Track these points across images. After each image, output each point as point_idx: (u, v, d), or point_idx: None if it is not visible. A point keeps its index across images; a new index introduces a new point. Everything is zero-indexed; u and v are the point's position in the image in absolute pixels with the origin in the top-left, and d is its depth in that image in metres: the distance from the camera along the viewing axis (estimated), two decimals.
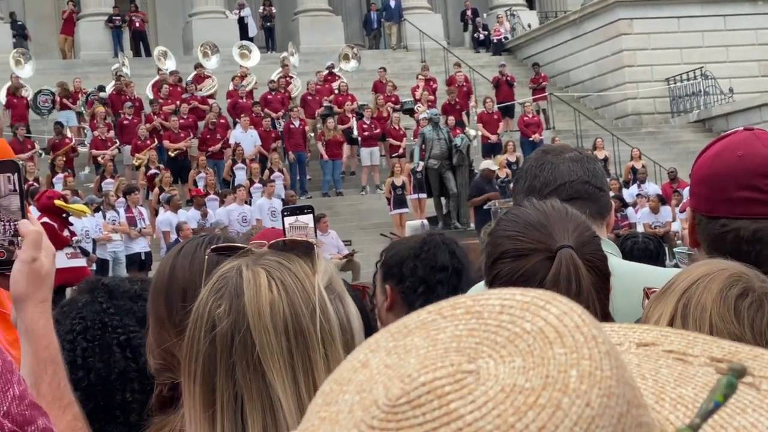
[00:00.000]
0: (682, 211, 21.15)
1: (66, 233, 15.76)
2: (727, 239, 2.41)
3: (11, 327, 2.28)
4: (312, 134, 27.27)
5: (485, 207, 20.13)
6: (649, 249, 6.85)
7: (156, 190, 22.84)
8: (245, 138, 25.53)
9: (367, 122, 26.94)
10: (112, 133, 25.64)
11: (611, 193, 5.98)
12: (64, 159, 23.75)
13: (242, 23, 34.68)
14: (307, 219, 2.02)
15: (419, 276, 3.51)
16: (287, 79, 29.26)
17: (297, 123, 26.25)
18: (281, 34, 36.20)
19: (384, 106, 27.86)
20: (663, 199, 22.80)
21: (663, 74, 30.91)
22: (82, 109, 27.69)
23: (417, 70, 31.34)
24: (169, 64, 30.34)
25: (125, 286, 2.68)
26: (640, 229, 20.30)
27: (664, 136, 29.97)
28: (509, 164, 24.04)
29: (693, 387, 0.91)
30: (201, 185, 23.37)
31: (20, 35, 33.40)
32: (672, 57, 30.87)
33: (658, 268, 3.24)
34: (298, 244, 1.69)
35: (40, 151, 24.82)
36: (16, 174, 2.11)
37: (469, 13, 37.11)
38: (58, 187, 20.91)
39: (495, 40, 35.58)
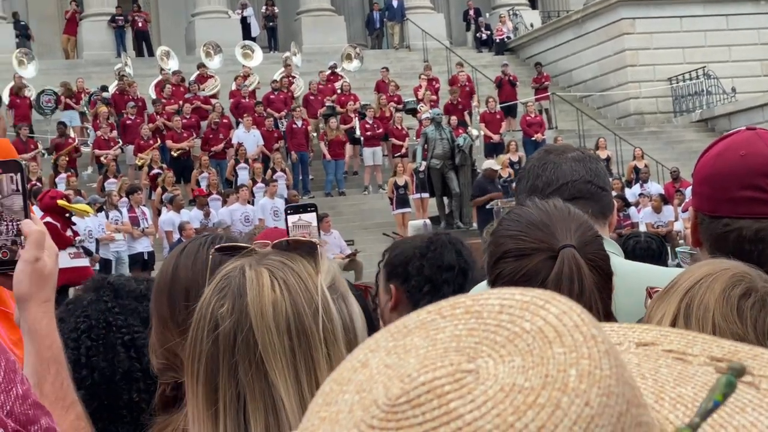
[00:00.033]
0: (684, 211, 21.13)
1: (69, 233, 15.77)
2: (729, 239, 2.40)
3: (15, 327, 2.28)
4: (315, 134, 27.27)
5: (488, 207, 20.12)
6: (651, 248, 6.84)
7: (159, 189, 22.85)
8: (248, 138, 25.53)
9: (370, 122, 26.94)
10: (114, 133, 25.66)
11: (613, 193, 5.98)
12: (67, 159, 23.77)
13: (245, 23, 34.69)
14: (310, 217, 2.02)
15: (425, 275, 3.50)
16: (290, 79, 29.26)
17: (300, 123, 26.25)
18: (284, 33, 36.20)
19: (386, 106, 27.85)
20: (665, 199, 22.79)
21: (665, 74, 30.89)
22: (85, 109, 27.72)
23: (419, 69, 31.33)
24: (172, 64, 30.35)
25: (131, 285, 2.68)
26: (642, 228, 20.30)
27: (667, 136, 29.95)
28: (512, 164, 24.04)
29: (692, 386, 0.91)
30: (204, 185, 23.38)
31: (23, 35, 33.41)
32: (674, 56, 30.85)
33: (661, 267, 3.24)
34: (302, 243, 1.70)
35: (43, 151, 24.84)
36: (18, 174, 2.11)
37: (471, 12, 37.09)
38: (61, 187, 20.94)
39: (497, 40, 35.56)
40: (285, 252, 1.69)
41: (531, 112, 28.14)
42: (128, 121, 25.90)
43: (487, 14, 37.09)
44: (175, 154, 25.02)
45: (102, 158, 24.55)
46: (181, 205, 21.49)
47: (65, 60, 33.60)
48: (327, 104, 27.86)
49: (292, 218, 2.01)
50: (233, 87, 28.29)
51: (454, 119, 25.81)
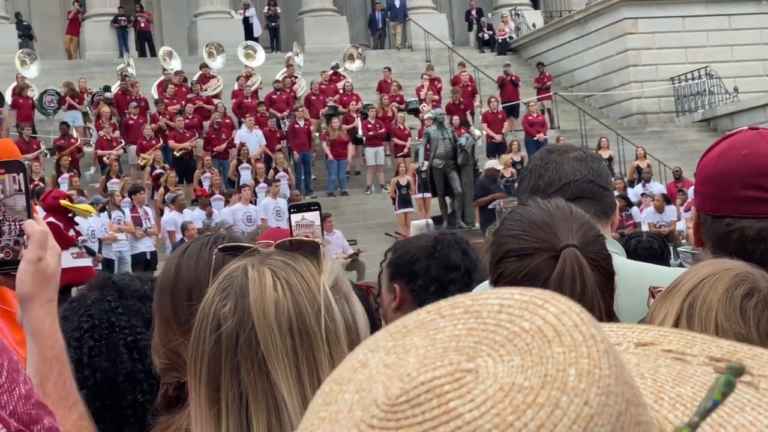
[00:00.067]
0: (686, 211, 21.12)
1: (71, 233, 15.78)
2: (732, 238, 2.40)
3: (19, 326, 2.28)
4: (317, 134, 27.28)
5: (490, 206, 20.13)
6: (653, 248, 6.84)
7: (161, 189, 22.86)
8: (250, 138, 25.54)
9: (372, 122, 26.95)
10: (117, 133, 25.67)
11: (616, 193, 5.98)
12: (70, 159, 23.78)
13: (247, 23, 34.69)
14: (314, 216, 2.01)
15: (432, 275, 3.49)
16: (292, 79, 29.27)
17: (302, 123, 26.26)
18: (286, 34, 36.21)
19: (389, 106, 27.86)
20: (668, 199, 22.78)
21: (668, 73, 30.88)
22: (88, 109, 27.74)
23: (422, 69, 31.34)
24: (174, 64, 30.36)
25: (135, 285, 2.67)
26: (644, 228, 20.29)
27: (669, 136, 29.94)
28: (514, 164, 24.04)
29: (692, 386, 0.91)
30: (206, 185, 23.39)
31: (26, 35, 33.44)
32: (677, 56, 30.84)
33: (663, 267, 3.24)
34: (305, 244, 1.70)
35: (45, 151, 24.86)
36: (21, 174, 2.12)
37: (473, 12, 37.10)
38: (64, 187, 20.94)
39: (500, 40, 35.56)
40: (288, 252, 1.69)
41: (533, 112, 28.14)
42: (131, 121, 25.91)
43: (490, 14, 37.09)
44: (178, 154, 25.03)
45: (105, 158, 24.56)
46: (184, 205, 21.50)
47: (68, 60, 33.61)
48: (329, 104, 27.86)
49: (296, 217, 2.00)
50: (236, 87, 28.30)
51: (456, 119, 25.81)
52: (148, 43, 34.07)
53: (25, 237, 2.08)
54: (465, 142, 22.37)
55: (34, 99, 27.34)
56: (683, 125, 30.67)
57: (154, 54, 32.82)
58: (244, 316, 1.61)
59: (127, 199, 21.10)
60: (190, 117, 26.23)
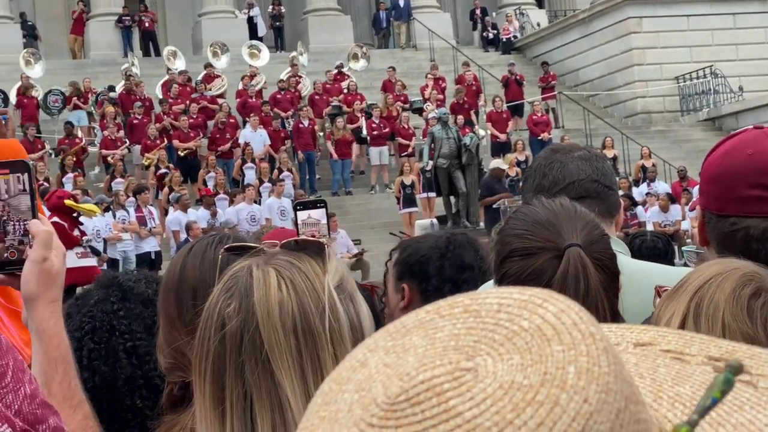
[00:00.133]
0: (691, 210, 21.10)
1: (76, 233, 15.80)
2: (736, 238, 2.40)
3: (26, 327, 2.28)
4: (321, 134, 27.29)
5: (494, 206, 20.13)
6: (657, 247, 6.83)
7: (165, 189, 22.88)
8: (255, 137, 25.55)
9: (376, 121, 26.95)
10: (121, 132, 25.69)
11: (620, 192, 5.97)
12: (74, 159, 23.81)
13: (251, 23, 34.70)
14: (320, 214, 2.01)
15: (446, 276, 3.47)
16: (297, 78, 29.28)
17: (306, 122, 26.27)
18: (290, 33, 36.23)
19: (393, 106, 27.86)
20: (673, 198, 22.77)
21: (672, 72, 30.85)
22: (92, 109, 27.76)
23: (426, 69, 31.33)
24: (179, 64, 30.38)
25: (140, 288, 2.66)
26: (649, 227, 20.27)
27: (674, 135, 29.91)
28: (518, 163, 24.04)
29: (690, 385, 0.91)
30: (210, 185, 23.41)
31: (30, 35, 33.48)
32: (681, 55, 30.81)
33: (668, 266, 3.23)
34: (310, 244, 1.70)
35: (50, 151, 24.89)
36: (26, 174, 2.12)
37: (478, 12, 37.09)
38: (68, 187, 20.96)
39: (504, 39, 35.55)
40: (293, 252, 1.69)
41: (538, 111, 28.13)
42: (135, 121, 25.93)
43: (494, 13, 37.08)
44: (182, 154, 25.04)
45: (109, 158, 24.59)
46: (188, 205, 21.53)
47: (72, 60, 33.64)
48: (333, 104, 27.87)
49: (302, 215, 2.00)
50: (240, 87, 28.31)
51: (460, 118, 25.80)
52: (152, 42, 34.10)
53: (29, 237, 2.08)
54: (469, 142, 22.36)
55: (39, 99, 27.37)
56: (688, 124, 30.64)
57: (158, 54, 32.84)
58: (248, 315, 1.62)
59: (132, 198, 21.12)
60: (195, 117, 26.24)
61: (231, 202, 22.44)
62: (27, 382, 1.62)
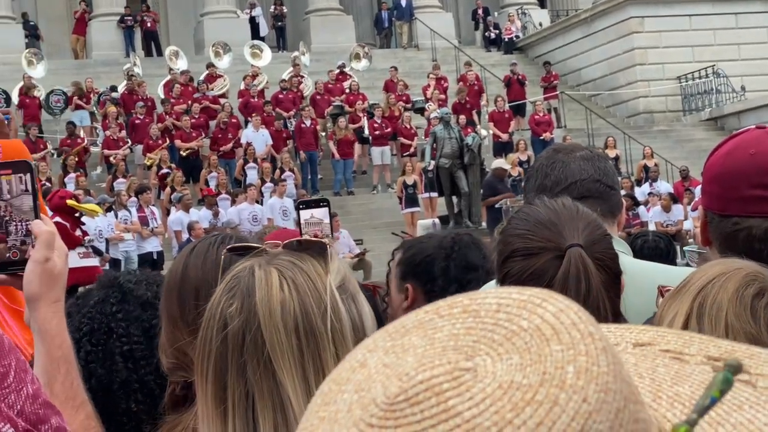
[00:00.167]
0: (694, 210, 21.09)
1: (78, 233, 15.81)
2: (739, 238, 2.40)
3: (29, 327, 2.29)
4: (323, 133, 27.28)
5: (497, 206, 20.13)
6: (659, 247, 6.83)
7: (168, 189, 22.89)
8: (257, 137, 25.56)
9: (378, 121, 26.95)
10: (123, 132, 25.71)
11: (623, 192, 5.97)
12: (76, 159, 23.82)
13: (253, 23, 34.71)
14: (323, 213, 2.01)
15: (451, 276, 3.46)
16: (299, 78, 29.28)
17: (308, 122, 26.27)
18: (292, 33, 36.23)
19: (395, 105, 27.86)
20: (675, 198, 22.76)
21: (674, 72, 30.84)
22: (95, 109, 27.79)
23: (428, 69, 31.32)
24: (181, 64, 30.39)
25: (140, 290, 2.65)
26: (651, 227, 20.27)
27: (676, 135, 29.90)
28: (521, 163, 24.03)
29: (690, 385, 0.91)
30: (212, 185, 23.41)
31: (32, 35, 33.49)
32: (683, 55, 30.80)
33: (671, 266, 3.23)
34: (312, 244, 1.70)
35: (52, 151, 24.90)
36: (28, 174, 2.12)
37: (480, 11, 37.08)
38: (70, 187, 20.98)
39: (506, 39, 35.54)
40: (295, 252, 1.69)
41: (540, 111, 28.12)
42: (137, 121, 25.95)
43: (496, 13, 37.07)
44: (184, 154, 25.05)
45: (111, 158, 24.61)
46: (190, 205, 21.52)
47: (74, 60, 33.67)
48: (335, 104, 27.87)
49: (304, 215, 2.00)
50: (242, 86, 28.31)
51: (462, 118, 25.80)
52: (154, 42, 34.12)
53: (32, 237, 2.08)
54: (471, 142, 22.36)
55: (41, 99, 27.39)
56: (690, 124, 30.63)
57: (160, 54, 32.85)
58: (250, 315, 1.62)
59: (134, 198, 21.13)
60: (197, 116, 26.25)
61: (233, 202, 22.44)
62: (29, 382, 1.62)
